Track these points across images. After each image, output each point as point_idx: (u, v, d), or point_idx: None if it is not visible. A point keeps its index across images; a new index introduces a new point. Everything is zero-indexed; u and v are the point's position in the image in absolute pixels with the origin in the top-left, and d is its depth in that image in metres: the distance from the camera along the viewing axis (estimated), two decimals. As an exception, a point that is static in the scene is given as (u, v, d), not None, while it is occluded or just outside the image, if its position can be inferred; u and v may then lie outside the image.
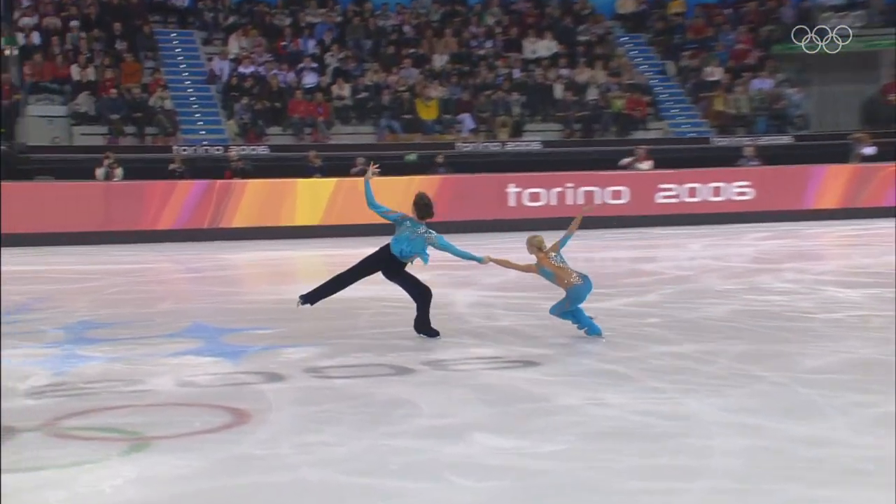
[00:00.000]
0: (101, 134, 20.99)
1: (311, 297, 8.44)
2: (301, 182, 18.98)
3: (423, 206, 8.32)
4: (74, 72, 21.55)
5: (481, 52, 24.85)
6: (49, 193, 17.86)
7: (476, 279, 11.83)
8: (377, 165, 8.81)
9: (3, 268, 14.44)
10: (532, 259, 8.26)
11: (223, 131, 21.95)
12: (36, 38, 22.09)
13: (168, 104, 21.61)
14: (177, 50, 23.64)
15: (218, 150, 20.73)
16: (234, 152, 19.90)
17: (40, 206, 17.54)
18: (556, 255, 8.26)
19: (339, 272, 8.54)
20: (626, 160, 20.31)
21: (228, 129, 21.94)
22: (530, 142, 22.67)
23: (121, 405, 6.00)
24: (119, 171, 18.65)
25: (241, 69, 22.86)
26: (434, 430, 5.39)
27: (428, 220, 8.36)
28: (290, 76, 23.11)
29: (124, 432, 5.36)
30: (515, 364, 7.18)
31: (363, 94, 23.08)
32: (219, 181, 18.67)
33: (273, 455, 4.96)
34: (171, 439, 5.20)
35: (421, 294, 8.27)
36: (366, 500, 4.36)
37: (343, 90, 23.08)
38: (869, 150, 20.77)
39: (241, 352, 7.73)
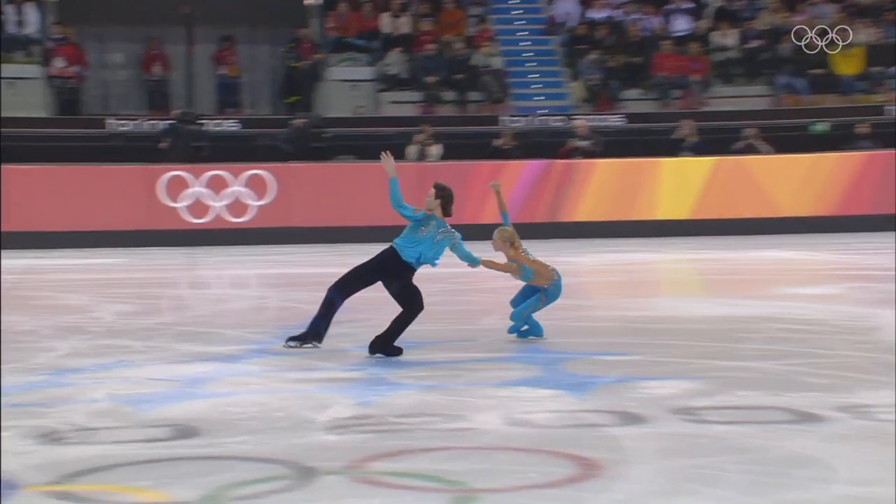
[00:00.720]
0: (414, 102, 22.05)
1: (312, 336, 8.87)
2: (666, 162, 18.99)
3: (450, 198, 8.93)
4: (385, 23, 22.77)
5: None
6: (350, 177, 19.02)
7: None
8: (389, 153, 9.23)
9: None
10: (502, 257, 9.32)
11: (565, 96, 22.38)
12: (343, -16, 23.59)
13: (497, 62, 22.33)
14: (511, -9, 24.45)
15: (558, 120, 21.18)
16: (579, 123, 20.23)
17: (340, 194, 18.75)
18: (525, 250, 9.38)
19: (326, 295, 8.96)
20: None
21: (572, 92, 22.34)
22: None
23: (439, 446, 6.27)
24: (435, 150, 19.52)
25: (592, 14, 23.20)
26: (856, 502, 5.19)
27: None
28: (656, 21, 23.15)
29: (444, 481, 5.60)
30: (976, 417, 6.74)
31: (754, 43, 22.64)
32: (559, 161, 19.07)
33: (632, 522, 4.99)
34: (502, 493, 5.36)
35: (414, 308, 8.85)
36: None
37: (727, 38, 22.79)
38: None
39: (587, 383, 7.83)
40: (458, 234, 9.07)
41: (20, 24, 21.86)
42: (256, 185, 18.63)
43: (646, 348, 9.10)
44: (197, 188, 18.53)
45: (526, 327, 9.62)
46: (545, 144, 20.05)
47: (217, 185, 18.59)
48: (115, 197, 18.18)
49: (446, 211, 9.03)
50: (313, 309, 11.93)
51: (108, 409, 7.22)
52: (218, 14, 23.28)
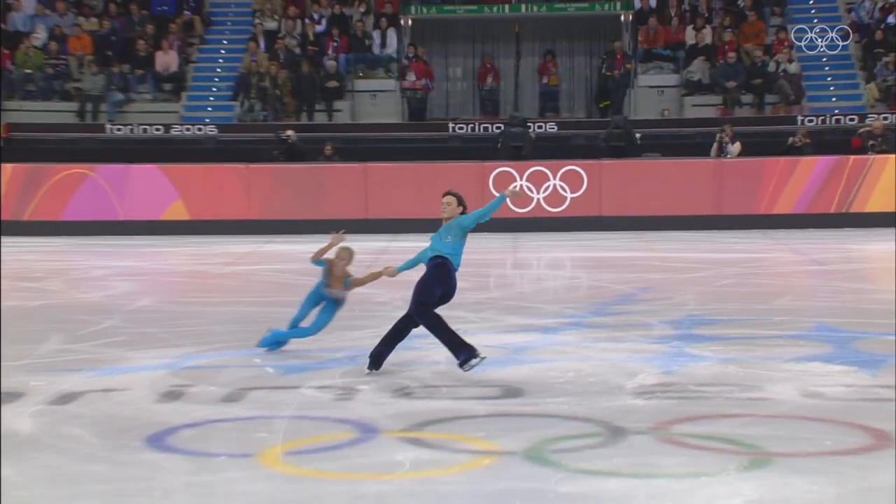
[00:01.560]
0: (714, 105, 21.65)
1: (472, 352, 7.30)
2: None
3: (466, 205, 7.76)
4: (689, 35, 22.43)
5: None
6: (654, 171, 18.82)
7: None
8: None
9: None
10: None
11: (860, 97, 21.32)
12: (652, 0, 23.39)
13: (793, 68, 21.52)
14: (810, 1, 23.53)
15: (851, 120, 20.20)
16: (875, 121, 19.12)
17: (645, 186, 18.60)
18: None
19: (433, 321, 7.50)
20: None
21: (867, 94, 21.22)
22: None
23: (737, 413, 6.15)
24: (734, 147, 19.03)
25: (891, 19, 21.93)
26: None
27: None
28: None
29: (742, 444, 5.48)
30: None
31: None
32: (851, 157, 18.21)
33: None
34: (797, 458, 5.19)
35: (409, 324, 7.57)
36: None
37: None
38: None
39: (878, 361, 7.47)
40: None
41: (383, 45, 22.99)
42: (571, 179, 18.74)
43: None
44: (521, 182, 18.81)
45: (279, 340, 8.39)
46: (838, 142, 19.23)
47: (538, 179, 18.81)
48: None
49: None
50: (621, 288, 11.94)
51: (447, 370, 7.46)
52: (542, 30, 23.64)
